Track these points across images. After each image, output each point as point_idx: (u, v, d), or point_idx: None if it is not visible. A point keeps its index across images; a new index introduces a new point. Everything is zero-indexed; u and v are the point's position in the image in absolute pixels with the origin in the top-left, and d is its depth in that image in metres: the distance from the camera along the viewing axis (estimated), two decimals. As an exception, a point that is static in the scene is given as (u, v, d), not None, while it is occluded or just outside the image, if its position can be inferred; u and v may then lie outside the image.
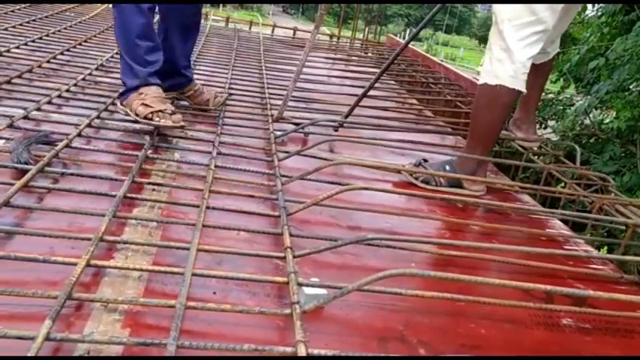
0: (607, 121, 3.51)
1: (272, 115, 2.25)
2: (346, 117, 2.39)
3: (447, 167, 1.94)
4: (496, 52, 1.85)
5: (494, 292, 1.19)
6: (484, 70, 1.90)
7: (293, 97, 2.60)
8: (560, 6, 1.83)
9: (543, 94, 3.97)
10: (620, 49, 3.18)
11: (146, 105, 1.81)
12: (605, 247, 2.54)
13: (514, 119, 2.43)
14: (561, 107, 3.77)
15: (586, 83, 3.66)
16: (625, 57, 3.12)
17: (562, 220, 1.86)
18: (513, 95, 1.86)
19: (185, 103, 2.24)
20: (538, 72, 2.28)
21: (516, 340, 1.15)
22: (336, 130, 2.30)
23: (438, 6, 2.70)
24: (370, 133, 2.31)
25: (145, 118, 1.80)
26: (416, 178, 1.90)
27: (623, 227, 1.78)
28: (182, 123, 1.82)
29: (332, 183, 1.68)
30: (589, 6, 4.21)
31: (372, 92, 2.65)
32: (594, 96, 3.29)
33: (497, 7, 1.86)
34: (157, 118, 1.79)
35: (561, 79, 3.99)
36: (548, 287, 1.14)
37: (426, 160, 1.97)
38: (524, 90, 1.86)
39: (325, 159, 1.83)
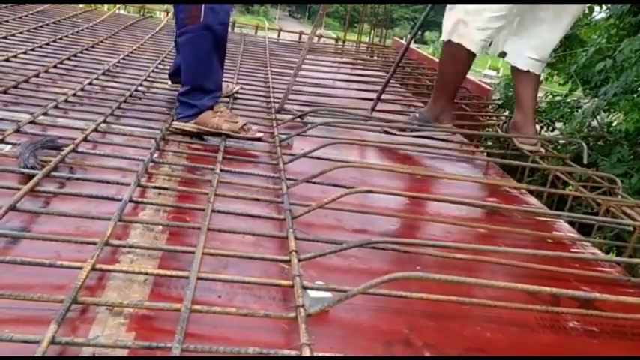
0: (615, 123, 3.49)
1: (276, 119, 2.25)
2: (372, 110, 2.61)
3: (417, 115, 2.41)
4: (461, 14, 2.18)
5: (500, 295, 1.19)
6: (446, 30, 2.23)
7: (299, 100, 2.61)
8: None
9: (550, 96, 3.97)
10: (627, 51, 3.16)
11: (229, 121, 1.96)
12: (615, 250, 2.52)
13: (513, 122, 2.42)
14: (569, 109, 3.75)
15: (593, 85, 3.63)
16: (633, 59, 3.10)
17: (569, 223, 1.85)
18: (470, 56, 2.23)
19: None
20: (528, 77, 2.30)
21: (522, 343, 1.14)
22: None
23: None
24: (376, 136, 2.31)
25: (234, 131, 1.94)
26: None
27: (631, 229, 1.77)
28: (259, 135, 2.01)
29: (337, 186, 1.67)
30: (596, 8, 4.19)
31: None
32: (602, 98, 3.26)
33: None
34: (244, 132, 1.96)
35: (569, 82, 3.97)
36: (555, 290, 1.13)
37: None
38: (477, 52, 2.22)
39: (331, 161, 1.83)
